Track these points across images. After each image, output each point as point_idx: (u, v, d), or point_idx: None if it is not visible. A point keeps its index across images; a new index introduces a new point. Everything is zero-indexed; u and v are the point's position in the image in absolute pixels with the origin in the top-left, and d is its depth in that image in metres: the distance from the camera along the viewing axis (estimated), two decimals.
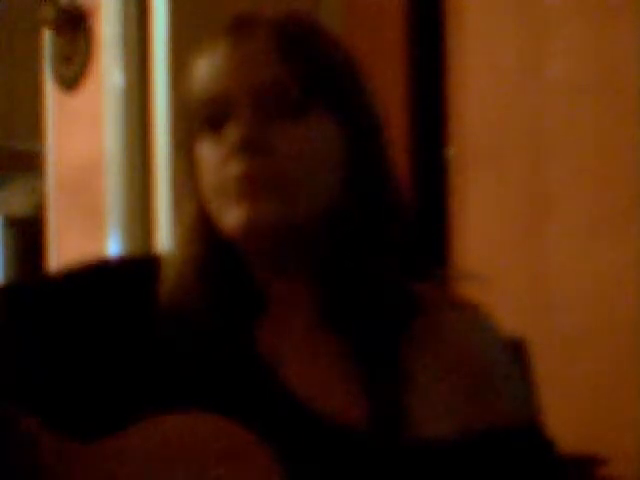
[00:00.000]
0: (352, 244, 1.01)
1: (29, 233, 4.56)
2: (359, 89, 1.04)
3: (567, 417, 2.50)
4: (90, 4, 3.33)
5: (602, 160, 2.62)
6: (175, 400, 0.96)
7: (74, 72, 3.41)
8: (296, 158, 0.98)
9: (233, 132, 0.98)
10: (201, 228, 1.03)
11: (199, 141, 1.02)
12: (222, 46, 1.01)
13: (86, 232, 3.40)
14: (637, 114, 2.52)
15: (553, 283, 2.72)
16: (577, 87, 2.69)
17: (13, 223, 4.80)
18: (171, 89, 2.94)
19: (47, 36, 3.53)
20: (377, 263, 1.01)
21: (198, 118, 1.02)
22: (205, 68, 1.02)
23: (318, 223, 1.01)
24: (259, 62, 0.99)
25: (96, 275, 1.07)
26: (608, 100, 2.61)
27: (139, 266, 1.08)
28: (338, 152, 1.01)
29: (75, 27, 3.36)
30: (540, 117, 2.79)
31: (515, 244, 2.82)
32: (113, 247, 3.18)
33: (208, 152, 1.00)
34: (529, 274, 2.79)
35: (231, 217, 0.98)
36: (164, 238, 2.86)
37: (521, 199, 2.82)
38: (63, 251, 3.53)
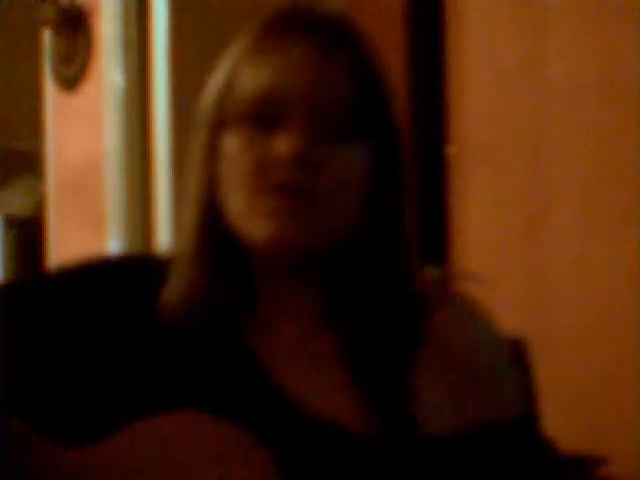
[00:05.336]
0: (363, 259, 1.01)
1: (29, 233, 4.56)
2: (393, 120, 1.03)
3: (567, 417, 2.50)
4: (90, 4, 3.33)
5: (602, 160, 2.62)
6: (171, 401, 0.95)
7: (74, 72, 3.41)
8: (340, 179, 0.97)
9: (285, 140, 0.95)
10: (207, 220, 1.00)
11: (231, 133, 0.98)
12: (282, 45, 0.98)
13: (86, 232, 3.40)
14: (637, 114, 2.52)
15: (552, 283, 2.72)
16: (577, 87, 2.68)
17: (13, 223, 4.80)
18: (171, 89, 2.94)
19: (47, 36, 3.53)
20: (383, 270, 1.01)
21: (241, 111, 0.98)
22: (263, 62, 0.98)
23: (337, 242, 1.00)
24: (326, 77, 0.97)
25: (94, 273, 1.07)
26: (608, 100, 2.61)
27: (137, 264, 1.07)
28: (366, 180, 1.00)
29: (75, 27, 3.37)
30: (540, 117, 2.78)
31: (515, 243, 2.82)
32: (113, 247, 3.18)
33: (243, 149, 0.97)
34: (529, 274, 2.79)
35: (262, 229, 0.96)
36: (164, 238, 2.86)
37: (521, 198, 2.82)
38: (63, 251, 3.53)
